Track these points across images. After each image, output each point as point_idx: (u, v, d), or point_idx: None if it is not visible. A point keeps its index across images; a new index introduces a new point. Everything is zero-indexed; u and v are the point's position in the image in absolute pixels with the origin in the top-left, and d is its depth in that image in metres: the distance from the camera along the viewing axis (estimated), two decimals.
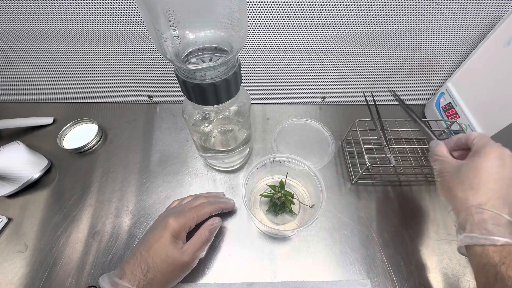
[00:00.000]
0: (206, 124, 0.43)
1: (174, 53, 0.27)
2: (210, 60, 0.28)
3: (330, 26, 0.45)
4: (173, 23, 0.24)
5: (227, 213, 0.44)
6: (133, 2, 0.42)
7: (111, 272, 0.31)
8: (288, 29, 0.45)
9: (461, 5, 0.42)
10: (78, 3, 0.42)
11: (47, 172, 0.48)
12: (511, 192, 0.27)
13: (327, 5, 0.42)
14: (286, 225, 0.42)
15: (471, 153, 0.30)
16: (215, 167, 0.49)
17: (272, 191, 0.42)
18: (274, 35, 0.46)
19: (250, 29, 0.45)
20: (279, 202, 0.42)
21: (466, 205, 0.28)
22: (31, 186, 0.46)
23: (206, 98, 0.31)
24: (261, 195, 0.43)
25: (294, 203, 0.43)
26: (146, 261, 0.31)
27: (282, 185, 0.43)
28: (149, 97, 0.58)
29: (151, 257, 0.31)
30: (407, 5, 0.42)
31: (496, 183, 0.27)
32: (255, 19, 0.44)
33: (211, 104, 0.32)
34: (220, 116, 0.42)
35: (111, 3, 0.42)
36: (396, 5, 0.42)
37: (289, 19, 0.44)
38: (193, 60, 0.28)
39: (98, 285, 0.30)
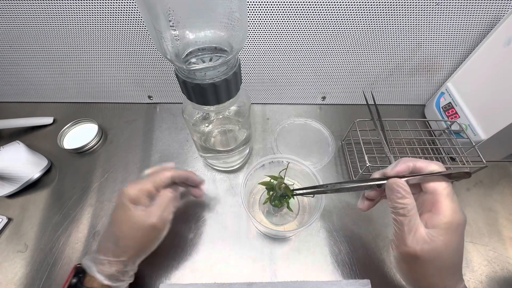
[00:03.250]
0: (206, 124, 0.43)
1: (174, 53, 0.27)
2: (210, 60, 0.28)
3: (330, 26, 0.45)
4: (173, 23, 0.24)
5: (227, 212, 0.44)
6: (133, 2, 0.42)
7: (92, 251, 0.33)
8: (288, 29, 0.45)
9: (461, 5, 0.42)
10: (78, 3, 0.42)
11: (47, 172, 0.48)
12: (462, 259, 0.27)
13: (327, 5, 0.42)
14: (285, 225, 0.42)
15: (440, 222, 0.25)
16: (215, 167, 0.49)
17: (272, 180, 0.39)
18: (274, 35, 0.46)
19: (250, 29, 0.45)
20: (280, 191, 0.39)
21: None
22: (31, 186, 0.46)
23: (206, 98, 0.31)
24: (260, 183, 0.41)
25: (293, 197, 0.40)
26: (114, 232, 0.32)
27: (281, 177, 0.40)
28: (149, 97, 0.58)
29: (118, 228, 0.32)
30: (407, 5, 0.42)
31: (461, 258, 0.26)
32: (255, 19, 0.44)
33: (211, 104, 0.32)
34: (220, 116, 0.42)
35: (111, 3, 0.42)
36: (396, 5, 0.42)
37: (289, 19, 0.44)
38: (193, 60, 0.28)
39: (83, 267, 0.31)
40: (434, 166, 0.27)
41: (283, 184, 0.38)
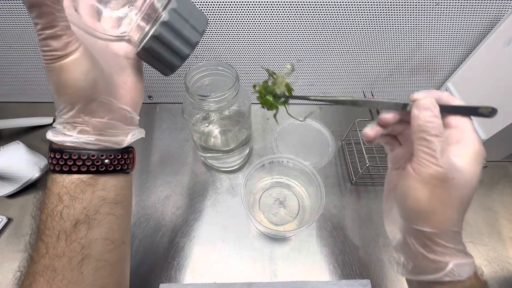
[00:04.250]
0: (206, 124, 0.43)
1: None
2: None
3: (330, 26, 0.45)
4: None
5: (227, 212, 0.44)
6: None
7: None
8: (288, 29, 0.45)
9: (461, 5, 0.42)
10: None
11: (47, 172, 0.48)
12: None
13: (327, 5, 0.42)
14: (285, 225, 0.42)
15: (468, 151, 0.23)
16: (215, 167, 0.49)
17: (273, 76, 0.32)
18: (274, 35, 0.46)
19: (250, 29, 0.45)
20: (279, 91, 0.32)
21: (454, 228, 0.23)
22: (31, 186, 0.46)
23: (166, 59, 0.24)
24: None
25: (287, 105, 0.34)
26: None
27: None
28: (149, 97, 0.58)
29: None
30: (407, 5, 0.42)
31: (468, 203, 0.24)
32: (255, 19, 0.44)
33: (176, 63, 0.24)
34: (220, 116, 0.42)
35: None
36: (396, 5, 0.42)
37: (289, 19, 0.44)
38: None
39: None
40: (458, 102, 0.25)
41: (285, 81, 0.32)
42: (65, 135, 0.22)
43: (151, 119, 0.56)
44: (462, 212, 0.23)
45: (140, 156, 0.51)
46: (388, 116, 0.26)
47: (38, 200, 0.24)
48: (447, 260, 0.22)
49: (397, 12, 0.43)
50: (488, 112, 0.24)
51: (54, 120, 0.55)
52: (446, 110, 0.25)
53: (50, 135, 0.22)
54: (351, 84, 0.55)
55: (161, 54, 0.23)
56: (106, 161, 0.23)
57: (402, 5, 0.42)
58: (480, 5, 0.42)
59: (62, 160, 0.22)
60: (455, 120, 0.24)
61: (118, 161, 0.24)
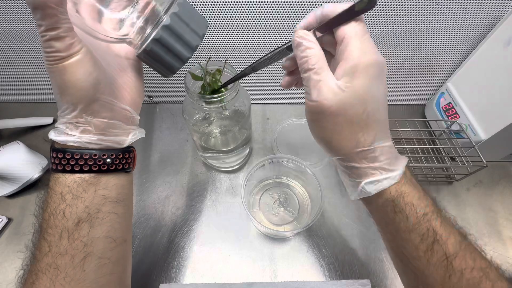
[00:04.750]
0: (206, 124, 0.43)
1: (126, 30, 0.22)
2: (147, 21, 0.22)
3: None
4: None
5: (227, 212, 0.44)
6: None
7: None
8: (288, 29, 0.45)
9: (461, 5, 0.42)
10: None
11: (47, 172, 0.48)
12: (385, 112, 0.24)
13: None
14: (285, 226, 0.42)
15: (346, 67, 0.21)
16: (215, 167, 0.49)
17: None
18: (274, 35, 0.46)
19: (250, 29, 0.45)
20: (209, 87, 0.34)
21: (357, 149, 0.23)
22: (31, 186, 0.46)
23: (167, 62, 0.24)
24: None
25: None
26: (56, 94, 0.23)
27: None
28: (149, 97, 0.58)
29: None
30: (407, 5, 0.42)
31: (382, 110, 0.23)
32: (255, 19, 0.44)
33: (176, 66, 0.24)
34: (220, 116, 0.42)
35: None
36: (396, 5, 0.42)
37: (289, 19, 0.44)
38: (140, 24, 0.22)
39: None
40: (341, 6, 0.22)
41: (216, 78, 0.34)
42: (67, 135, 0.22)
43: (151, 119, 0.56)
44: (362, 130, 0.22)
45: (140, 156, 0.51)
46: (286, 64, 0.28)
47: (40, 199, 0.24)
48: (360, 180, 0.24)
49: (397, 12, 0.43)
50: (365, 5, 0.21)
51: (54, 120, 0.55)
52: (329, 27, 0.23)
53: (53, 135, 0.22)
54: None
55: (162, 56, 0.23)
56: (108, 160, 0.24)
57: (402, 5, 0.42)
58: (480, 5, 0.42)
59: (65, 159, 0.22)
60: (341, 32, 0.22)
61: (120, 161, 0.25)
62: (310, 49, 0.22)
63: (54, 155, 0.23)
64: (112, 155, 0.24)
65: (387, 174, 0.23)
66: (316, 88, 0.22)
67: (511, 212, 0.44)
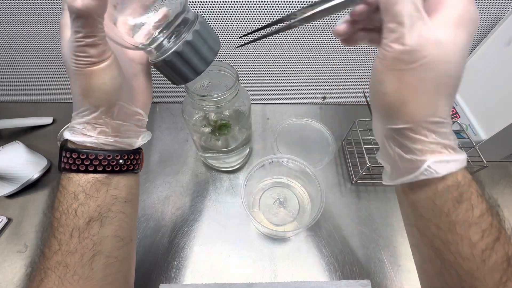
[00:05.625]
0: (206, 124, 0.43)
1: (140, 42, 0.24)
2: (172, 36, 0.24)
3: (331, 25, 0.45)
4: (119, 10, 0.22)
5: (227, 212, 0.44)
6: None
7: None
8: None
9: None
10: None
11: (47, 172, 0.48)
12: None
13: None
14: (285, 226, 0.42)
15: (449, 17, 0.18)
16: (215, 167, 0.49)
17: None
18: (274, 34, 0.46)
19: (250, 29, 0.45)
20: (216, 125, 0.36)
21: (432, 118, 0.19)
22: (31, 186, 0.46)
23: (183, 73, 0.26)
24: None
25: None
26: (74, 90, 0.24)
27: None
28: None
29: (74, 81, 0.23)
30: None
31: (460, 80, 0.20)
32: (256, 19, 0.44)
33: (191, 77, 0.26)
34: (220, 116, 0.42)
35: None
36: None
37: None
38: (160, 38, 0.24)
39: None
40: None
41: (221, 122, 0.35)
42: (85, 136, 0.23)
43: (151, 119, 0.56)
44: (445, 97, 0.19)
45: None
46: (357, 9, 0.22)
47: (49, 197, 0.25)
48: (424, 157, 0.19)
49: None
50: None
51: (54, 120, 0.55)
52: None
53: (68, 135, 0.23)
54: (352, 83, 0.55)
55: (179, 67, 0.25)
56: (121, 161, 0.25)
57: None
58: (480, 5, 0.42)
59: (79, 159, 0.23)
60: None
61: (131, 162, 0.25)
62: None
63: (68, 155, 0.23)
64: (124, 156, 0.25)
65: (456, 155, 0.19)
66: (416, 29, 0.17)
67: (511, 212, 0.44)
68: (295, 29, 0.45)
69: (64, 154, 0.23)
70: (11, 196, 0.45)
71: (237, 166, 0.49)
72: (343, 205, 0.45)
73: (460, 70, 0.19)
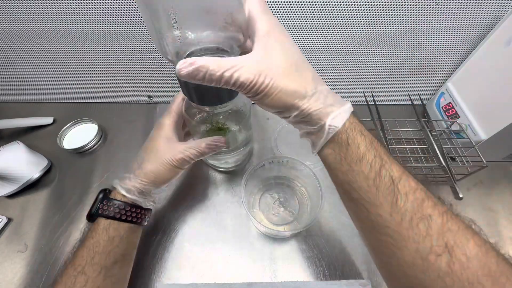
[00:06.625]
0: (207, 124, 0.43)
1: (175, 53, 0.27)
2: None
3: (330, 26, 0.45)
4: (174, 23, 0.24)
5: (227, 213, 0.44)
6: (132, 2, 0.42)
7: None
8: (288, 29, 0.45)
9: (461, 5, 0.42)
10: (78, 3, 0.42)
11: (47, 172, 0.48)
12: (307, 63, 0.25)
13: (327, 5, 0.42)
14: (285, 226, 0.42)
15: (254, 41, 0.23)
16: (215, 167, 0.49)
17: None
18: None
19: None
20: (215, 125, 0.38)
21: (308, 95, 0.23)
22: (31, 186, 0.46)
23: (208, 99, 0.31)
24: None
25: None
26: (142, 155, 0.35)
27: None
28: (149, 97, 0.58)
29: (146, 152, 0.35)
30: (407, 5, 0.42)
31: (303, 60, 0.25)
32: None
33: (212, 105, 0.32)
34: (221, 117, 0.42)
35: (111, 3, 0.42)
36: (396, 5, 0.42)
37: (289, 19, 0.44)
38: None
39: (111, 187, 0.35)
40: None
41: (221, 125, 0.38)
42: (136, 196, 0.33)
43: (151, 119, 0.56)
44: (303, 78, 0.23)
45: None
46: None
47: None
48: (323, 121, 0.24)
49: (397, 12, 0.43)
50: None
51: (54, 120, 0.55)
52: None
53: (124, 192, 0.33)
54: (351, 84, 0.55)
55: (202, 91, 0.30)
56: (147, 217, 0.36)
57: (402, 5, 0.42)
58: (480, 5, 0.42)
59: (123, 210, 0.32)
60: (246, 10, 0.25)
61: (149, 216, 0.36)
62: (197, 63, 0.21)
63: (115, 205, 0.32)
64: (149, 212, 0.36)
65: (342, 106, 0.24)
66: (236, 74, 0.21)
67: (511, 212, 0.44)
68: (295, 30, 0.45)
69: (108, 202, 0.32)
70: (11, 196, 0.45)
71: (237, 166, 0.49)
72: (343, 205, 0.45)
73: (288, 60, 0.23)
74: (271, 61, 0.22)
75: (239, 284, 0.37)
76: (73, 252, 0.31)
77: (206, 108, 0.34)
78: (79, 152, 0.51)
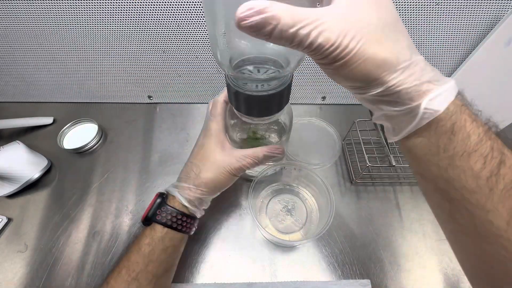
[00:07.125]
0: (244, 129, 0.40)
1: (228, 59, 0.25)
2: (266, 72, 0.26)
3: None
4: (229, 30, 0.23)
5: (227, 213, 0.44)
6: (132, 2, 0.42)
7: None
8: None
9: (461, 5, 0.42)
10: (78, 3, 0.42)
11: (47, 172, 0.48)
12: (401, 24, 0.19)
13: None
14: (290, 235, 0.41)
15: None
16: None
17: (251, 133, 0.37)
18: None
19: None
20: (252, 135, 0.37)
21: (400, 65, 0.18)
22: (31, 186, 0.46)
23: (257, 109, 0.29)
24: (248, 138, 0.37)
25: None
26: (196, 164, 0.34)
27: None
28: (149, 97, 0.58)
29: (201, 161, 0.34)
30: (407, 5, 0.42)
31: (398, 19, 0.19)
32: None
33: (260, 116, 0.30)
34: (263, 127, 0.38)
35: (111, 3, 0.42)
36: (396, 5, 0.42)
37: None
38: (250, 68, 0.26)
39: (166, 192, 0.35)
40: None
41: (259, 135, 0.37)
42: (197, 208, 0.34)
43: (151, 119, 0.56)
44: (394, 40, 0.18)
45: (140, 156, 0.51)
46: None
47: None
48: (417, 102, 0.18)
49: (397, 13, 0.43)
50: None
51: (54, 120, 0.55)
52: None
53: (185, 202, 0.32)
54: None
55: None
56: (195, 225, 0.35)
57: (402, 5, 0.42)
58: (480, 5, 0.42)
59: (176, 218, 0.32)
60: None
61: (195, 226, 0.35)
62: (269, 10, 0.15)
63: (179, 217, 0.32)
64: (196, 221, 0.35)
65: (445, 84, 0.18)
66: (318, 28, 0.15)
67: None
68: None
69: (170, 214, 0.31)
70: (11, 196, 0.45)
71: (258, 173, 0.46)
72: (343, 205, 0.45)
73: (379, 14, 0.17)
74: (360, 17, 0.16)
75: (239, 284, 0.37)
76: (127, 254, 0.31)
77: (254, 119, 0.32)
78: (79, 152, 0.51)
